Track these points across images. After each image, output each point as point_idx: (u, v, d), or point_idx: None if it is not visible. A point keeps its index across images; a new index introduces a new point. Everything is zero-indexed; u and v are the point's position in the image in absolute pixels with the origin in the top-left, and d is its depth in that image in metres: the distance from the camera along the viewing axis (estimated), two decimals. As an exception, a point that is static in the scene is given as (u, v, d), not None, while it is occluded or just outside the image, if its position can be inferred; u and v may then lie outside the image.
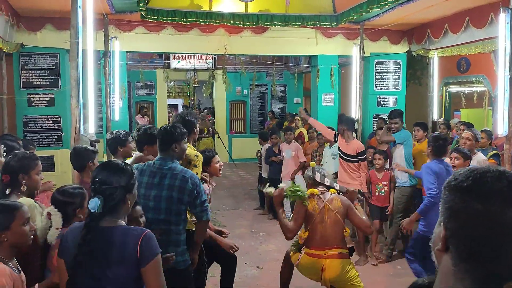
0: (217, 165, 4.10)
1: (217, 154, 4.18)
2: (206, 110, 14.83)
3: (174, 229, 3.07)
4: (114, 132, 4.14)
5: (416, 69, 11.63)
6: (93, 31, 4.96)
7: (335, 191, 3.95)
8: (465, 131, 5.52)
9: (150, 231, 2.10)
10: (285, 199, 3.91)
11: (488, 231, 0.93)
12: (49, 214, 2.72)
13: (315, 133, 8.13)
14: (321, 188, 3.93)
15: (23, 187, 2.91)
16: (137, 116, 12.13)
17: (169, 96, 16.06)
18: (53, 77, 7.88)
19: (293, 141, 7.65)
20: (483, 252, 0.94)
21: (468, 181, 0.98)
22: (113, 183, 2.09)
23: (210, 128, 12.19)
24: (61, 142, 7.97)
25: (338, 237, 3.80)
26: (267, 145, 8.06)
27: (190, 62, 13.44)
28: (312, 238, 3.80)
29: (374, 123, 9.22)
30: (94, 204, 2.04)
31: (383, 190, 5.97)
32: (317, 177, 3.96)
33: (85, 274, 2.02)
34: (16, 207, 2.30)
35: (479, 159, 5.13)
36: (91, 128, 4.76)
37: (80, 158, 3.75)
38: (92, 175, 2.17)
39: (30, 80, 7.83)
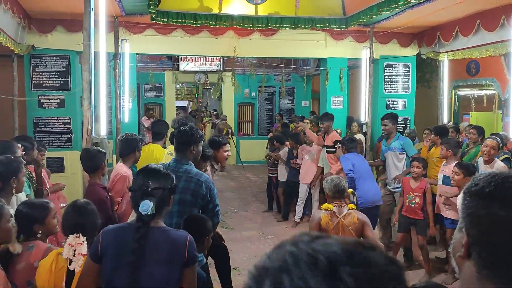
0: (226, 153, 4.26)
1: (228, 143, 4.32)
2: (215, 112, 14.86)
3: None
4: (133, 136, 4.19)
5: (425, 72, 11.59)
6: (105, 33, 4.98)
7: (354, 207, 3.81)
8: (489, 139, 5.29)
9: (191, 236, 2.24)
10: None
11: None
12: (70, 245, 2.56)
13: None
14: (337, 202, 3.77)
15: (14, 190, 3.06)
16: (143, 118, 12.16)
17: (177, 98, 16.10)
18: (63, 79, 7.93)
19: (313, 144, 7.63)
20: (507, 258, 0.93)
21: (490, 186, 0.97)
22: (164, 186, 2.23)
23: (230, 130, 12.18)
24: (70, 143, 8.02)
25: None
26: (286, 148, 8.01)
27: (198, 64, 13.48)
28: None
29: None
30: (146, 206, 2.13)
31: (414, 201, 5.37)
32: (332, 190, 3.78)
33: (130, 274, 2.09)
34: (47, 203, 2.58)
35: (499, 167, 5.03)
36: (103, 129, 4.78)
37: (94, 160, 3.77)
38: (138, 179, 2.25)
39: (41, 82, 7.88)
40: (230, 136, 12.08)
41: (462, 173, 4.61)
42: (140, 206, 2.15)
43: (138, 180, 2.25)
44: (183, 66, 13.51)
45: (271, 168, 8.31)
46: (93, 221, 2.70)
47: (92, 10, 4.39)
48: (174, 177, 2.34)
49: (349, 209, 3.75)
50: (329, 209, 3.74)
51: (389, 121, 6.24)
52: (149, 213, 2.14)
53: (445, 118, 9.23)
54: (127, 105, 8.20)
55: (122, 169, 4.03)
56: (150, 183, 2.20)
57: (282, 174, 7.94)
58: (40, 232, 2.64)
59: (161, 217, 2.27)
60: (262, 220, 7.94)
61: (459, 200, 5.93)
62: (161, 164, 3.13)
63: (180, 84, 18.23)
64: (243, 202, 9.18)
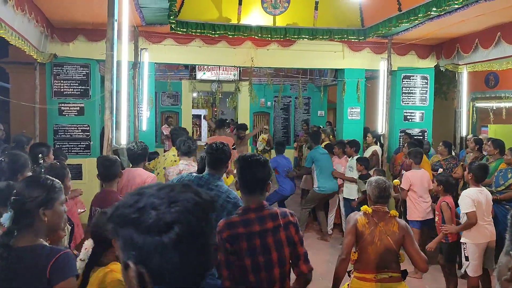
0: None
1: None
2: (228, 121, 14.87)
3: None
4: (143, 145, 4.33)
5: (442, 83, 11.48)
6: (127, 43, 5.01)
7: (397, 214, 3.55)
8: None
9: (69, 251, 1.99)
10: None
11: None
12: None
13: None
14: (379, 207, 3.53)
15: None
16: (163, 126, 12.25)
17: (193, 107, 16.18)
18: (83, 87, 8.02)
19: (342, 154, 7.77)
20: None
21: None
22: (27, 197, 1.98)
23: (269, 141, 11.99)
24: (89, 150, 8.09)
25: (389, 261, 3.42)
26: None
27: (215, 74, 13.54)
28: (361, 260, 3.47)
29: (400, 138, 9.10)
30: (4, 218, 1.94)
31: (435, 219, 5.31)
32: (376, 195, 3.55)
33: None
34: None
35: None
36: (123, 138, 4.79)
37: (113, 168, 3.79)
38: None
39: (62, 90, 7.98)
40: (270, 148, 11.95)
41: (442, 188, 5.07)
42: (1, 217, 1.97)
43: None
44: (200, 75, 13.58)
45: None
46: None
47: (116, 21, 4.43)
48: (51, 188, 2.08)
49: (390, 215, 3.50)
50: (367, 212, 3.53)
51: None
52: (5, 226, 1.93)
53: (463, 130, 9.11)
54: (145, 114, 8.25)
55: (145, 172, 4.44)
56: (16, 192, 2.00)
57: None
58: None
59: (37, 233, 2.00)
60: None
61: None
62: (192, 176, 3.29)
63: (197, 93, 18.41)
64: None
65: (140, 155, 4.58)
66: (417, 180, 6.14)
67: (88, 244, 2.45)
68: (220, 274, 2.48)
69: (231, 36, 8.04)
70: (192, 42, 8.52)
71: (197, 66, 13.32)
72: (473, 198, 4.69)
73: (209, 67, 13.32)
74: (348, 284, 3.57)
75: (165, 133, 11.20)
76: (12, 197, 1.99)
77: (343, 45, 9.00)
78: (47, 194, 2.04)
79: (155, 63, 8.83)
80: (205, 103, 17.79)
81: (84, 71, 8.02)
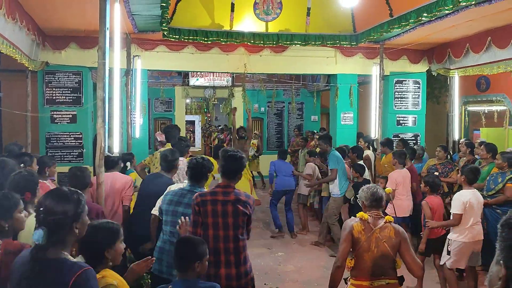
0: None
1: None
2: (220, 127, 14.88)
3: None
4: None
5: (434, 87, 11.54)
6: (119, 51, 5.00)
7: (392, 219, 3.53)
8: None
9: (91, 268, 2.03)
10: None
11: None
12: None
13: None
14: (374, 212, 3.51)
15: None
16: (157, 133, 12.20)
17: (186, 113, 16.14)
18: (75, 95, 7.99)
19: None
20: None
21: None
22: (62, 214, 2.01)
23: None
24: (82, 158, 8.04)
25: (386, 268, 3.40)
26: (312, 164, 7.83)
27: (208, 80, 13.53)
28: (357, 267, 3.44)
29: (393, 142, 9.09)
30: (37, 236, 1.96)
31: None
32: (370, 199, 3.53)
33: None
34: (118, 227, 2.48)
35: None
36: (116, 146, 4.77)
37: (85, 177, 3.88)
38: (38, 202, 2.08)
39: (54, 98, 7.95)
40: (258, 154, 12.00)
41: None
42: (33, 234, 1.97)
43: (39, 201, 2.08)
44: (193, 81, 13.57)
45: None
46: None
47: (107, 29, 4.41)
48: (80, 202, 2.09)
49: (386, 222, 3.47)
50: (363, 218, 3.48)
51: (323, 142, 6.97)
52: (40, 243, 1.95)
53: (456, 134, 9.15)
54: (138, 121, 8.23)
55: (122, 176, 4.72)
56: (46, 208, 2.01)
57: (304, 189, 7.89)
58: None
59: (61, 247, 2.02)
60: (272, 237, 7.86)
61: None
62: (178, 190, 3.72)
63: (191, 99, 18.38)
64: (252, 218, 9.06)
65: (115, 159, 4.81)
66: (401, 179, 6.44)
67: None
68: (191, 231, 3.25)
69: (223, 43, 8.07)
70: (185, 48, 8.53)
71: (190, 72, 13.31)
72: (465, 201, 4.81)
73: (202, 73, 13.31)
74: None
75: (159, 139, 11.13)
76: (43, 214, 2.00)
77: (335, 50, 9.05)
78: (77, 208, 2.07)
79: (148, 70, 8.82)
80: (199, 109, 17.76)
81: (76, 79, 7.99)
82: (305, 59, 9.07)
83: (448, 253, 4.95)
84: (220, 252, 3.23)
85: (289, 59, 9.02)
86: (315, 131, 12.05)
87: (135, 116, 8.16)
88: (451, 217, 4.93)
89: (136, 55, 8.07)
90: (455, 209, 4.86)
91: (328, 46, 8.64)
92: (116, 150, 4.78)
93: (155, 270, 3.54)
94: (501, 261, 0.99)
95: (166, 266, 3.53)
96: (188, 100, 18.21)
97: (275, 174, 7.73)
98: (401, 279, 3.43)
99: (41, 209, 2.00)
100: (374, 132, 8.82)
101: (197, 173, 3.64)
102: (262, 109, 13.98)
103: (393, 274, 3.41)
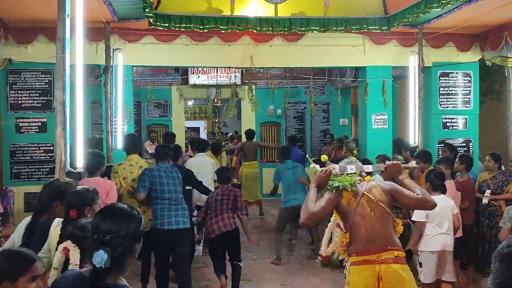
0: None
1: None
2: (230, 134, 14.88)
3: None
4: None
5: (493, 81, 11.30)
6: (82, 42, 5.03)
7: (371, 178, 3.97)
8: None
9: None
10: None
11: None
12: (66, 249, 2.92)
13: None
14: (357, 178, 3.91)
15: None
16: (146, 143, 12.19)
17: (188, 118, 16.22)
18: (45, 98, 8.05)
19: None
20: None
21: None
22: (124, 233, 2.21)
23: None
24: (53, 175, 8.04)
25: (389, 234, 3.66)
26: None
27: (212, 77, 13.57)
28: (356, 240, 3.67)
29: (439, 151, 8.95)
30: (100, 258, 2.09)
31: None
32: (339, 169, 3.95)
33: None
34: (31, 259, 2.47)
35: None
36: (80, 160, 4.79)
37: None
38: (95, 221, 2.27)
39: (19, 102, 8.03)
40: None
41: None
42: (93, 257, 2.11)
43: (94, 222, 2.26)
44: (193, 79, 13.63)
45: None
46: None
47: (68, 16, 4.44)
48: (141, 220, 2.33)
49: (368, 182, 3.88)
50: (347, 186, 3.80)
51: None
52: (102, 266, 2.10)
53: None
54: (121, 128, 8.25)
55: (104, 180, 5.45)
56: (108, 228, 2.19)
57: None
58: None
59: (121, 271, 2.23)
60: (287, 270, 7.81)
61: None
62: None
63: (193, 101, 18.47)
64: (265, 246, 9.01)
65: (96, 164, 5.35)
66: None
67: (68, 244, 2.93)
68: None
69: (223, 31, 8.05)
70: (177, 39, 8.56)
71: (190, 69, 13.37)
72: None
73: (204, 70, 13.36)
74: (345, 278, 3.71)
75: (149, 151, 11.16)
76: (110, 236, 2.17)
77: (363, 37, 8.96)
78: (140, 227, 2.31)
79: (132, 66, 8.88)
80: (204, 114, 17.84)
81: (46, 79, 8.07)
82: (326, 49, 9.00)
83: (420, 265, 5.54)
84: None
85: (306, 50, 8.95)
86: (346, 136, 11.97)
87: (116, 123, 8.19)
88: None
89: (117, 48, 8.11)
90: (415, 216, 5.58)
91: (354, 32, 8.54)
92: (80, 164, 4.80)
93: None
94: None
95: None
96: (190, 103, 18.38)
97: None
98: (409, 253, 4.05)
99: (101, 228, 2.19)
100: (414, 137, 8.66)
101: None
102: (279, 111, 13.91)
103: (398, 244, 3.67)
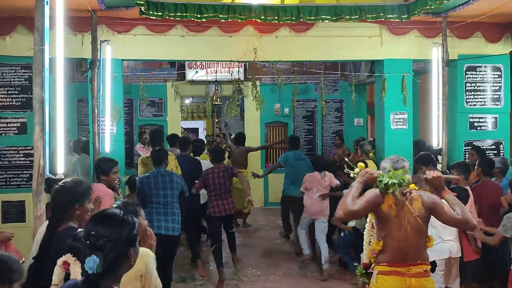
0: None
1: None
2: (232, 136, 14.76)
3: None
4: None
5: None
6: (63, 31, 4.97)
7: (415, 187, 4.10)
8: None
9: None
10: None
11: None
12: (65, 263, 3.07)
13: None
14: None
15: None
16: (137, 146, 12.07)
17: (185, 118, 16.13)
18: (25, 96, 7.98)
19: None
20: None
21: None
22: (116, 237, 2.37)
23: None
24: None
25: (420, 248, 3.95)
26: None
27: (211, 72, 13.50)
28: (388, 249, 3.91)
29: (465, 154, 8.88)
30: (92, 263, 2.26)
31: None
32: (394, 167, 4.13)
33: None
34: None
35: None
36: (60, 166, 4.72)
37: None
38: (87, 226, 2.43)
39: (-4, 100, 8.00)
40: None
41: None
42: (85, 262, 2.28)
43: (87, 227, 2.41)
44: (191, 75, 13.55)
45: None
46: None
47: (47, 3, 4.37)
48: (135, 224, 2.48)
49: (411, 191, 4.01)
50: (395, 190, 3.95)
51: None
52: (95, 272, 2.26)
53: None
54: (109, 130, 8.20)
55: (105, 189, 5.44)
56: (100, 233, 2.34)
57: None
58: None
59: (116, 277, 2.40)
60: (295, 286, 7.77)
61: None
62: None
63: (191, 99, 18.41)
64: (270, 262, 8.96)
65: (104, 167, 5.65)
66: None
67: (68, 257, 3.07)
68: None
69: (224, 20, 7.99)
70: (172, 30, 8.51)
71: (187, 63, 13.30)
72: None
73: (203, 64, 13.29)
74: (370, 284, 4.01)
75: (141, 155, 11.08)
76: (95, 238, 2.33)
77: (380, 27, 8.91)
78: (133, 231, 2.46)
79: (122, 60, 8.83)
80: (203, 113, 17.79)
81: (26, 74, 8.00)
82: (338, 40, 8.95)
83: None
84: None
85: (316, 41, 8.91)
86: (363, 137, 11.89)
87: (104, 123, 8.13)
88: None
89: (105, 40, 8.06)
90: None
91: (370, 22, 8.49)
92: (61, 170, 4.73)
93: None
94: None
95: None
96: (187, 101, 18.32)
97: None
98: (434, 265, 4.13)
99: (93, 232, 2.34)
100: (437, 139, 8.57)
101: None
102: (286, 110, 13.84)
103: (427, 258, 3.98)
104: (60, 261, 3.08)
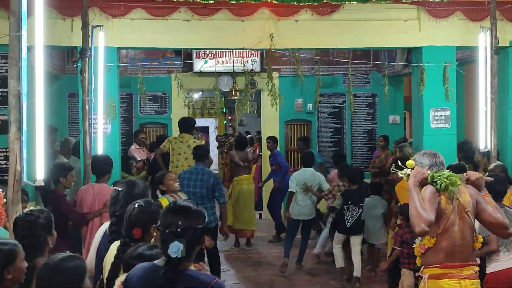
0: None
1: None
2: (250, 136, 14.79)
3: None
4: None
5: None
6: (47, 17, 5.01)
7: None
8: None
9: (219, 280, 3.12)
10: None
11: None
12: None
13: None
14: None
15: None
16: (132, 147, 11.95)
17: (196, 115, 16.16)
18: (5, 89, 8.04)
19: None
20: None
21: None
22: (195, 225, 3.02)
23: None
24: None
25: (470, 248, 4.21)
26: None
27: (223, 62, 13.49)
28: (438, 248, 4.12)
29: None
30: (176, 249, 2.88)
31: None
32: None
33: None
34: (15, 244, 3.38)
35: None
36: (40, 171, 4.73)
37: None
38: (167, 217, 3.05)
39: (-28, 96, 8.08)
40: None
41: None
42: (169, 248, 2.89)
43: (167, 218, 3.04)
44: (199, 65, 13.55)
45: None
46: None
47: (24, -18, 4.39)
48: (206, 214, 3.15)
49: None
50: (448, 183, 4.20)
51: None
52: (178, 256, 2.89)
53: None
54: (101, 129, 8.23)
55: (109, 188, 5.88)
56: (180, 222, 2.98)
57: None
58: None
59: (191, 259, 3.06)
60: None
61: None
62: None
63: (199, 93, 18.43)
64: (290, 282, 8.99)
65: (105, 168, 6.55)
66: None
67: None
68: None
69: (234, 2, 8.02)
70: (175, 13, 8.55)
71: (195, 51, 13.28)
72: None
73: (213, 53, 13.28)
74: None
75: (138, 158, 11.08)
76: (183, 227, 2.97)
77: (417, 9, 8.92)
78: (206, 220, 3.13)
79: (118, 48, 8.87)
80: (212, 108, 17.81)
81: (5, 66, 8.05)
82: (368, 24, 8.99)
83: None
84: None
85: (342, 26, 8.93)
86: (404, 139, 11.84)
87: (97, 122, 8.16)
88: None
89: (97, 25, 8.08)
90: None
91: (406, 3, 8.48)
92: (41, 177, 4.74)
93: None
94: None
95: None
96: (196, 95, 18.33)
97: None
98: (480, 266, 4.40)
99: (174, 222, 2.99)
100: (485, 139, 8.51)
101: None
102: (309, 106, 13.80)
103: (475, 259, 4.29)
104: (118, 281, 3.51)
